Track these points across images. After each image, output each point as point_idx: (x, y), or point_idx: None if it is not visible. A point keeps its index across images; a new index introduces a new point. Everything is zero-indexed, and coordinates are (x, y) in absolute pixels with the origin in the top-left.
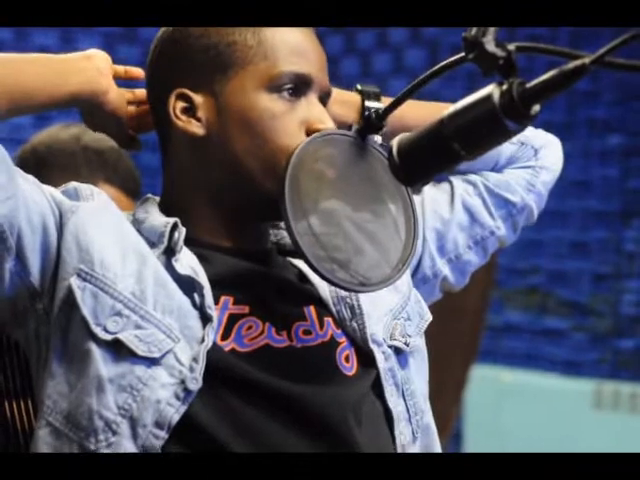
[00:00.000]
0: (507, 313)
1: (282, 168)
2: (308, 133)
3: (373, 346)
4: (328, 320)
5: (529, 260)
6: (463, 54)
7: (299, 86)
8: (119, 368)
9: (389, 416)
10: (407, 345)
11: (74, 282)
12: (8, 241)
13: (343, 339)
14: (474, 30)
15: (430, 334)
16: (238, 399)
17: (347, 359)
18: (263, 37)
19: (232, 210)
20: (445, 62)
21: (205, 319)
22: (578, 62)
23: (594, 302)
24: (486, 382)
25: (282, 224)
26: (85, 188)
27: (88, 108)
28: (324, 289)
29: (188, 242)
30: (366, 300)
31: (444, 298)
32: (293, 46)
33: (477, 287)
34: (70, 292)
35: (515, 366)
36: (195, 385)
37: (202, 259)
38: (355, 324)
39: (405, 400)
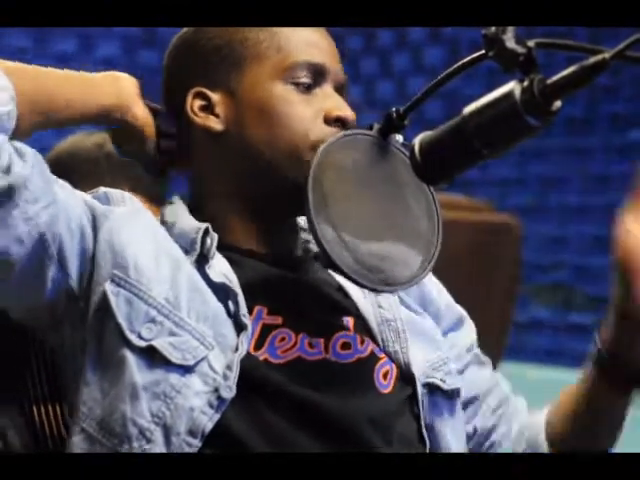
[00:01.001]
0: (532, 309)
1: (304, 164)
2: (327, 120)
3: (414, 370)
4: (368, 340)
5: (553, 256)
6: (483, 51)
7: (314, 76)
8: (153, 375)
9: (423, 438)
10: (444, 382)
11: (108, 287)
12: (50, 249)
13: (383, 355)
14: (494, 27)
15: None
16: (269, 409)
17: (385, 376)
18: (275, 31)
19: (258, 207)
20: (465, 60)
21: (239, 327)
22: (598, 57)
23: None
24: (511, 379)
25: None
26: (116, 193)
27: (117, 126)
28: (366, 307)
29: (219, 247)
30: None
31: (469, 295)
32: (305, 38)
33: (502, 283)
34: (104, 297)
35: (540, 362)
36: (229, 393)
37: (234, 264)
38: (398, 347)
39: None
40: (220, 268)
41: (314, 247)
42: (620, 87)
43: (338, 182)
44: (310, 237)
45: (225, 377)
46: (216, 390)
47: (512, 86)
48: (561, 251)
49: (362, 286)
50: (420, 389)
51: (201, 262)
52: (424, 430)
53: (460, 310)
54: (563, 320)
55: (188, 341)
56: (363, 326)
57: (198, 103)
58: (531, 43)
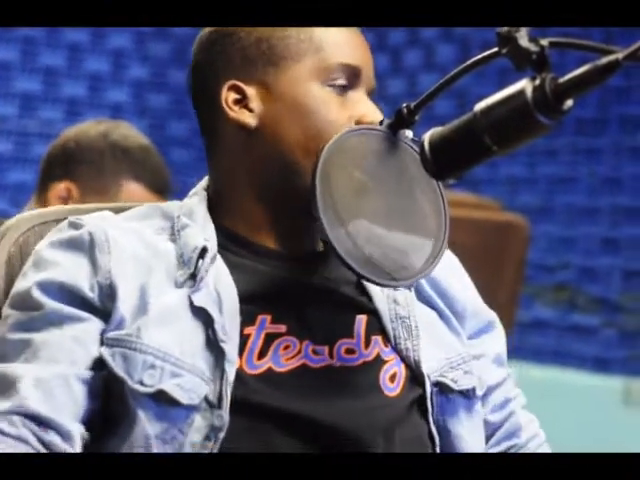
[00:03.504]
0: (536, 309)
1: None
2: (358, 124)
3: (424, 368)
4: (376, 338)
5: (559, 256)
6: (496, 49)
7: (350, 78)
8: (163, 423)
9: (433, 438)
10: (455, 382)
11: (104, 352)
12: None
13: (392, 357)
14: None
15: None
16: (271, 430)
17: (392, 379)
18: (314, 31)
19: (282, 202)
20: (478, 57)
21: (221, 353)
22: (611, 57)
23: (624, 299)
24: (515, 378)
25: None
26: (100, 236)
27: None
28: (382, 302)
29: (232, 240)
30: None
31: None
32: (343, 39)
33: (506, 283)
34: (103, 362)
35: (544, 363)
36: (221, 421)
37: (240, 271)
38: (410, 344)
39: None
40: (214, 281)
41: None
42: (632, 88)
43: (346, 177)
44: None
45: (219, 406)
46: (212, 424)
47: (524, 84)
48: (568, 252)
49: (369, 281)
50: (430, 388)
51: (191, 281)
52: (434, 431)
53: (490, 315)
54: (567, 321)
55: (191, 380)
56: (376, 323)
57: (233, 96)
58: (544, 42)
